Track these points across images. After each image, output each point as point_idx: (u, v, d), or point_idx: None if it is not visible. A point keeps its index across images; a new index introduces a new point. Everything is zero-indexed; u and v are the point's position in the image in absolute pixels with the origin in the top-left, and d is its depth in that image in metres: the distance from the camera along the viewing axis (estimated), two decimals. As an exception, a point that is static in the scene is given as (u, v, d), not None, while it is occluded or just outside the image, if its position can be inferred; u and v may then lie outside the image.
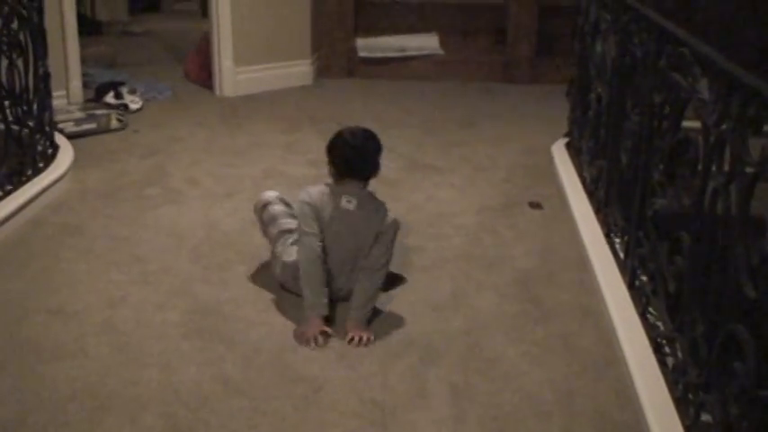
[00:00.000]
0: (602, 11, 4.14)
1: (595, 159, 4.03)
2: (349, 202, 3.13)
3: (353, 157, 3.16)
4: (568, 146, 4.80)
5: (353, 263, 3.13)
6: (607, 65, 3.90)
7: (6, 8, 3.93)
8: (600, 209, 3.80)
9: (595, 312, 3.18)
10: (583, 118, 4.47)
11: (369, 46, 6.97)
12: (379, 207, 3.18)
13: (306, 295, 3.03)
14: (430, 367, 2.80)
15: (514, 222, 4.02)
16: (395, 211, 4.08)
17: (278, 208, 3.39)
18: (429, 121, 5.70)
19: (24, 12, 4.07)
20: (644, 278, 3.09)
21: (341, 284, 3.15)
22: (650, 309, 2.94)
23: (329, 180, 3.21)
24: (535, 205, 4.22)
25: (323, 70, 6.83)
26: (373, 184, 4.37)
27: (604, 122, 3.91)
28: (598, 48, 4.15)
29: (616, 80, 3.71)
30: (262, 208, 3.42)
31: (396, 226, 3.17)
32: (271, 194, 3.47)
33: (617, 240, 3.52)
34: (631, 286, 3.16)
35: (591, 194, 4.01)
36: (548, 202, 4.25)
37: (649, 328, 2.88)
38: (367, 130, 3.25)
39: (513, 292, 3.34)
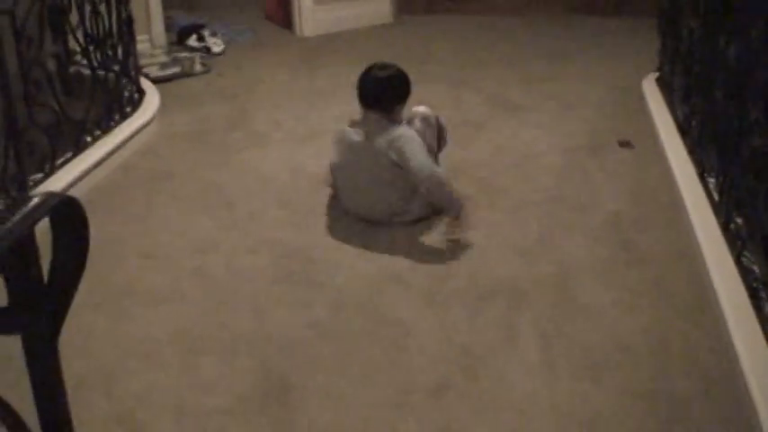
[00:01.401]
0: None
1: (688, 96, 3.91)
2: (356, 133, 3.36)
3: (359, 86, 3.37)
4: (659, 81, 4.66)
5: (369, 187, 3.31)
6: (698, -1, 3.76)
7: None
8: (693, 148, 3.69)
9: (689, 256, 3.11)
10: (674, 52, 4.33)
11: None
12: (391, 133, 3.26)
13: None
14: (519, 313, 2.78)
15: (604, 162, 3.93)
16: (480, 151, 4.07)
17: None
18: (512, 58, 5.60)
19: (106, -44, 4.09)
20: (739, 220, 3.00)
21: (358, 203, 3.37)
22: (745, 252, 2.86)
23: None
24: (625, 144, 4.11)
25: (403, 7, 6.74)
26: (457, 123, 4.34)
27: (697, 57, 3.78)
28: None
29: (709, 14, 3.57)
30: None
31: (403, 137, 3.24)
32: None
33: (711, 181, 3.41)
34: (726, 229, 3.06)
35: (684, 133, 3.90)
36: (638, 141, 4.14)
37: (745, 273, 2.79)
38: (388, 64, 3.42)
39: (604, 235, 3.28)
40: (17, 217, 1.10)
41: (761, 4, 2.81)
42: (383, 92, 3.32)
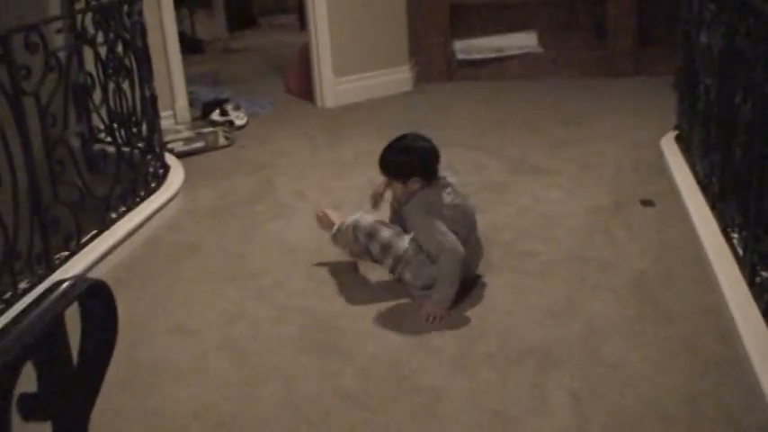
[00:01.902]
0: (705, 1, 4.02)
1: (707, 153, 3.91)
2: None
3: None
4: (678, 139, 4.67)
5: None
6: (714, 56, 3.78)
7: (111, 34, 4.04)
8: (715, 204, 3.69)
9: (716, 311, 3.09)
10: (692, 110, 4.35)
11: (466, 48, 6.92)
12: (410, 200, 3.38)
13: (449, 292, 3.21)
14: (549, 374, 2.76)
15: (627, 221, 3.93)
16: (504, 214, 4.08)
17: (369, 218, 3.50)
18: (532, 121, 5.63)
19: (128, 35, 4.18)
20: (765, 274, 2.98)
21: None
22: (774, 306, 2.84)
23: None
24: (647, 203, 4.12)
25: (422, 75, 6.81)
26: (480, 189, 4.37)
27: (715, 115, 3.79)
28: (703, 39, 4.03)
29: (724, 72, 3.60)
30: (351, 229, 3.48)
31: (410, 210, 3.34)
32: (353, 217, 3.55)
33: (735, 236, 3.40)
34: (752, 284, 3.05)
35: (705, 189, 3.90)
36: (660, 199, 4.14)
37: (774, 327, 2.78)
38: (404, 135, 3.51)
39: (630, 293, 3.27)
40: (47, 303, 1.12)
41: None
42: (392, 163, 3.43)
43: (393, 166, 3.37)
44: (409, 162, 3.34)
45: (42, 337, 1.13)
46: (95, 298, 1.24)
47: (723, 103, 3.59)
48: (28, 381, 1.20)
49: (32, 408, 1.19)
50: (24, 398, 1.17)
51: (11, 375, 1.11)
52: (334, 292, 3.41)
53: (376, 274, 3.49)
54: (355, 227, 3.44)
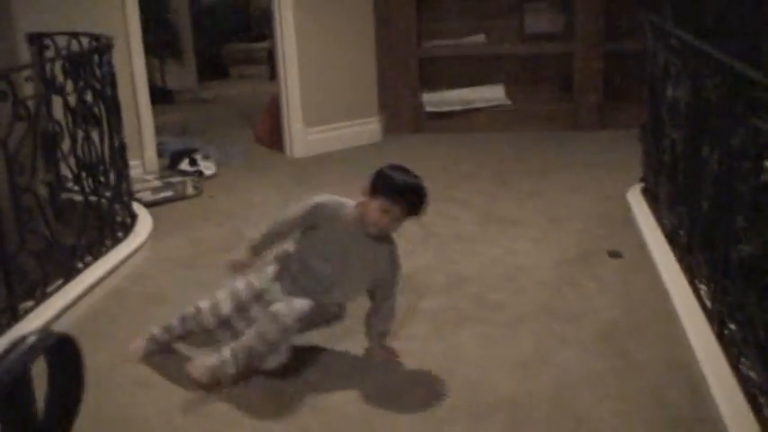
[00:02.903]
0: (670, 55, 4.09)
1: (674, 205, 3.96)
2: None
3: None
4: (645, 192, 4.72)
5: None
6: (680, 109, 3.85)
7: (81, 82, 4.03)
8: (683, 256, 3.72)
9: (685, 365, 3.10)
10: (658, 163, 4.41)
11: (435, 100, 7.00)
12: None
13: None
14: (519, 429, 2.75)
15: (595, 273, 3.95)
16: (473, 265, 4.09)
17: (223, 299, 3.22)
18: (500, 173, 5.68)
19: (98, 85, 4.18)
20: (732, 326, 3.01)
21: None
22: (742, 359, 2.85)
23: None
24: (615, 254, 4.15)
25: (391, 127, 6.87)
26: (448, 240, 4.39)
27: (681, 167, 3.84)
28: (669, 92, 4.10)
29: (690, 125, 3.65)
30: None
31: (393, 250, 3.16)
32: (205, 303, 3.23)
33: (702, 288, 3.43)
34: (720, 336, 3.07)
35: (672, 241, 3.94)
36: (628, 251, 4.17)
37: (743, 380, 2.79)
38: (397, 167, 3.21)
39: (599, 346, 3.27)
40: (13, 356, 1.11)
41: (740, 113, 2.88)
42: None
43: (421, 205, 3.04)
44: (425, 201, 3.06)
45: (8, 392, 1.11)
46: (62, 352, 1.22)
47: (690, 156, 3.64)
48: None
49: (-4, 464, 1.17)
50: (-12, 454, 1.15)
51: (-26, 430, 1.10)
52: (301, 344, 3.38)
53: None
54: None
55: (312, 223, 3.10)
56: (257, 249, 3.15)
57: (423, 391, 3.00)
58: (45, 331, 1.15)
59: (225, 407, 2.95)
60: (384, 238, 3.07)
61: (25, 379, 1.15)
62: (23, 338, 1.14)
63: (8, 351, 1.11)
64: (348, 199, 3.11)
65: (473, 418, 2.82)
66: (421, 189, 3.03)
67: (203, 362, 3.03)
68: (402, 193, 2.98)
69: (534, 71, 7.12)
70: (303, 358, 3.26)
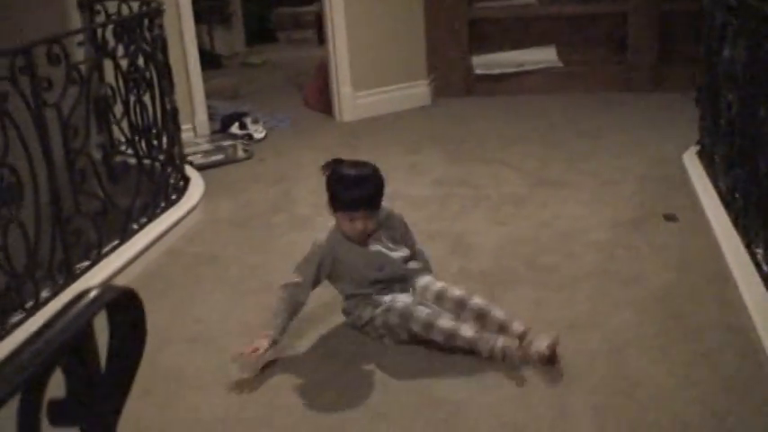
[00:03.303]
0: (728, 15, 4.00)
1: (730, 168, 3.89)
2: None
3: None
4: (700, 154, 4.65)
5: None
6: (737, 70, 3.77)
7: (132, 46, 4.06)
8: (738, 219, 3.66)
9: (740, 328, 3.06)
10: (714, 125, 4.33)
11: (485, 63, 6.92)
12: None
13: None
14: (571, 389, 2.74)
15: (649, 236, 3.90)
16: (524, 228, 4.06)
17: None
18: (551, 136, 5.62)
19: (149, 49, 4.20)
20: (790, 290, 2.96)
21: None
22: (799, 322, 2.81)
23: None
24: (670, 217, 4.09)
25: (440, 90, 6.81)
26: (499, 203, 4.37)
27: (738, 129, 3.77)
28: (726, 53, 4.01)
29: (747, 86, 3.58)
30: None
31: (394, 225, 3.25)
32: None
33: (758, 251, 3.37)
34: (777, 299, 3.03)
35: (728, 204, 3.87)
36: (683, 214, 4.11)
37: (798, 343, 2.75)
38: (342, 161, 3.21)
39: (653, 308, 3.24)
40: (76, 310, 1.12)
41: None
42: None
43: (379, 194, 3.09)
44: (382, 181, 3.11)
45: (71, 344, 1.12)
46: (124, 306, 1.24)
47: (746, 117, 3.57)
48: (56, 387, 1.19)
49: (60, 413, 1.19)
50: (53, 404, 1.17)
51: (40, 381, 1.11)
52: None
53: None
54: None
55: (329, 263, 3.09)
56: (279, 336, 3.00)
57: (472, 352, 2.99)
58: (107, 285, 1.16)
59: (278, 363, 2.98)
60: (380, 224, 3.14)
61: (88, 332, 1.16)
62: (86, 292, 1.15)
63: (71, 304, 1.12)
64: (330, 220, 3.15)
65: (526, 377, 2.81)
66: (368, 189, 3.05)
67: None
68: (354, 205, 3.02)
69: (587, 32, 6.99)
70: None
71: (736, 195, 3.73)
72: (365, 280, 3.11)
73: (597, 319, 3.18)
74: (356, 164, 3.15)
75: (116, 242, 3.80)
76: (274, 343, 2.95)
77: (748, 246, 3.47)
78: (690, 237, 3.88)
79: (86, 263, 3.57)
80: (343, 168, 3.08)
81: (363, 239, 3.10)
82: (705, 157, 4.54)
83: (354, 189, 3.02)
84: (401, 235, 3.23)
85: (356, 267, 3.10)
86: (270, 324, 2.99)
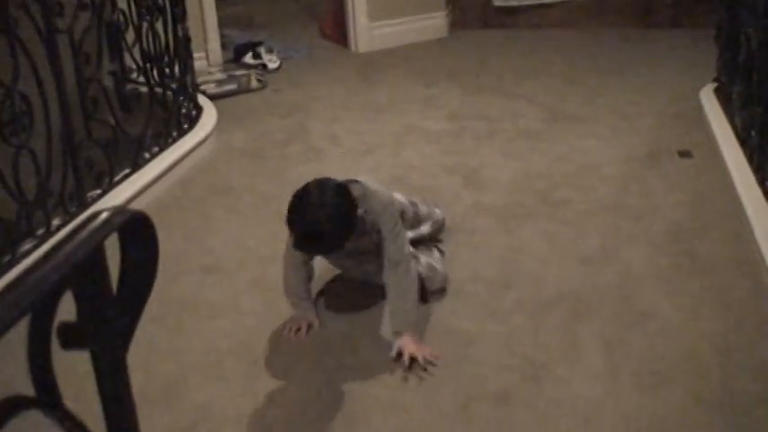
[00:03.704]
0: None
1: (747, 105, 3.84)
2: None
3: None
4: (717, 92, 4.59)
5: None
6: (758, 7, 3.69)
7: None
8: (753, 156, 3.63)
9: (751, 264, 3.05)
10: (732, 62, 4.27)
11: (503, -6, 6.82)
12: None
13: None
14: (582, 322, 2.75)
15: (663, 172, 3.88)
16: (539, 162, 4.04)
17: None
18: (569, 70, 5.55)
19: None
20: (804, 228, 2.94)
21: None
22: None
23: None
24: (685, 153, 4.06)
25: (458, 22, 6.72)
26: (514, 137, 4.34)
27: (757, 66, 3.71)
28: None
29: (768, 22, 3.51)
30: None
31: (379, 210, 2.69)
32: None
33: (773, 189, 3.35)
34: (790, 237, 3.01)
35: (743, 142, 3.83)
36: (698, 150, 4.08)
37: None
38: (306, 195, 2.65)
39: (665, 243, 3.23)
40: (87, 232, 1.11)
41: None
42: None
43: (339, 240, 2.55)
44: (349, 207, 2.58)
45: (82, 267, 1.12)
46: (136, 229, 1.23)
47: (765, 54, 3.51)
48: (68, 310, 1.20)
49: (71, 336, 1.19)
50: (63, 326, 1.17)
51: (50, 303, 1.11)
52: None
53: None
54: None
55: None
56: (303, 300, 2.81)
57: (486, 284, 3.00)
58: (119, 208, 1.16)
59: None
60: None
61: (99, 255, 1.16)
62: (97, 214, 1.14)
63: (82, 226, 1.12)
64: None
65: (537, 310, 2.82)
66: (316, 248, 2.65)
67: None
68: (298, 235, 2.56)
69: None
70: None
71: (752, 133, 3.69)
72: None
73: (609, 254, 3.18)
74: (311, 211, 2.53)
75: (127, 171, 3.79)
76: (303, 304, 2.78)
77: (762, 182, 3.44)
78: (704, 173, 3.85)
79: (98, 191, 3.57)
80: (295, 214, 2.56)
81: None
82: (722, 94, 4.48)
83: (303, 243, 2.58)
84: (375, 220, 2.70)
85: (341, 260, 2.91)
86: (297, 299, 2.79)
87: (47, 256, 1.07)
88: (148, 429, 2.29)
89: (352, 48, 6.27)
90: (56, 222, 3.27)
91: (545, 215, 3.50)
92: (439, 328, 2.75)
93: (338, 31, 6.46)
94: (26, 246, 3.10)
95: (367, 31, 6.21)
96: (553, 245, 3.27)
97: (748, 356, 2.54)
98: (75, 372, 1.34)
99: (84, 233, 1.12)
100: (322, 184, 2.60)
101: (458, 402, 2.40)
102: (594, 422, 2.29)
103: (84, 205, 3.44)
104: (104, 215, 1.14)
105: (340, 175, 3.95)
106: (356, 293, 2.97)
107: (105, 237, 1.15)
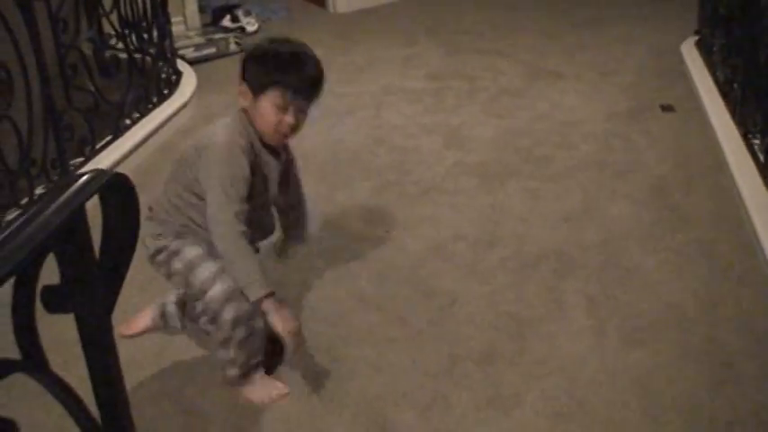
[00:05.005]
0: None
1: (729, 58, 3.84)
2: None
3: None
4: (699, 45, 4.59)
5: None
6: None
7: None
8: (736, 109, 3.63)
9: (735, 218, 3.07)
10: (713, 14, 4.26)
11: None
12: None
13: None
14: (566, 279, 2.76)
15: (646, 127, 3.88)
16: (520, 120, 4.03)
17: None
18: (549, 26, 5.53)
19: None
20: (786, 180, 2.96)
21: None
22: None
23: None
24: (667, 108, 4.06)
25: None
26: (496, 95, 4.33)
27: (738, 18, 3.71)
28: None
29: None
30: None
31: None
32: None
33: (756, 142, 3.36)
34: (773, 189, 3.03)
35: (725, 95, 3.84)
36: (680, 105, 4.08)
37: (794, 231, 2.76)
38: (275, 40, 2.35)
39: (648, 199, 3.24)
40: (67, 194, 1.11)
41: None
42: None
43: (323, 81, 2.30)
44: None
45: (64, 229, 1.12)
46: (116, 191, 1.22)
47: (746, 5, 3.50)
48: (51, 274, 1.19)
49: (55, 300, 1.19)
50: (47, 290, 1.17)
51: (33, 267, 1.11)
52: (347, 196, 3.40)
53: (393, 182, 3.46)
54: None
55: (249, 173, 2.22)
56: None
57: (468, 243, 3.01)
58: (98, 170, 1.15)
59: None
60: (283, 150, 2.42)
61: (81, 217, 1.15)
62: (77, 177, 1.13)
63: (63, 189, 1.11)
64: (220, 121, 2.31)
65: (519, 269, 2.83)
66: (315, 68, 2.27)
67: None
68: (302, 85, 2.23)
69: None
70: (358, 210, 3.28)
71: (735, 85, 3.69)
72: (265, 207, 2.41)
73: (592, 211, 3.18)
74: (288, 40, 2.32)
75: (109, 138, 3.76)
76: (272, 294, 2.12)
77: (745, 135, 3.45)
78: (687, 127, 3.85)
79: (80, 159, 3.54)
80: (276, 46, 2.27)
81: (281, 146, 2.39)
82: (704, 47, 4.48)
83: (299, 65, 2.24)
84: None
85: (270, 184, 2.37)
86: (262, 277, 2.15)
87: (28, 219, 1.07)
88: (137, 394, 2.30)
89: (330, 8, 6.23)
90: (39, 191, 3.24)
91: (527, 173, 3.50)
92: (422, 286, 2.76)
93: (316, -8, 6.41)
94: (10, 215, 3.08)
95: (345, -9, 6.17)
96: (536, 203, 3.27)
97: (732, 311, 2.56)
98: (63, 340, 1.33)
99: (64, 196, 1.11)
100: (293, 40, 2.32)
101: (443, 362, 2.41)
102: (579, 378, 2.31)
103: (67, 173, 3.41)
104: (85, 177, 1.14)
105: (321, 135, 3.94)
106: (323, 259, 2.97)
107: (86, 199, 1.15)
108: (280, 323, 2.11)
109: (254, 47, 2.32)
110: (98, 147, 3.66)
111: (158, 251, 2.31)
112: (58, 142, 3.38)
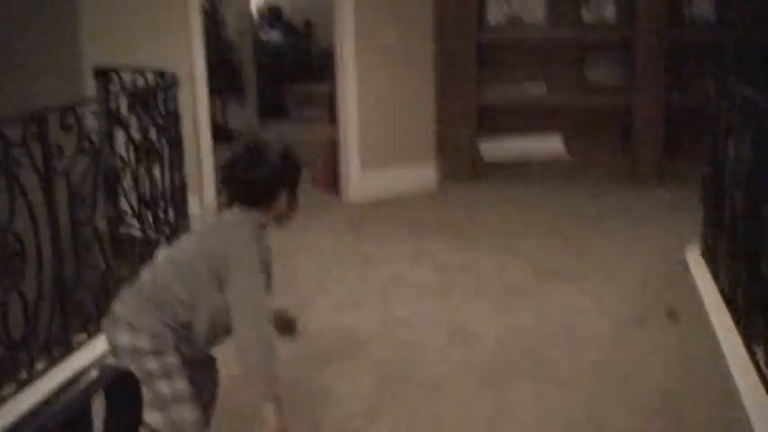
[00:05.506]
0: (733, 111, 4.03)
1: (733, 266, 3.89)
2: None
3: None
4: (703, 251, 4.64)
5: None
6: (742, 168, 3.78)
7: (145, 118, 4.09)
8: (740, 318, 3.64)
9: (740, 428, 3.02)
10: (717, 222, 4.33)
11: (492, 149, 6.95)
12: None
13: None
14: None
15: (650, 333, 3.89)
16: (525, 320, 4.04)
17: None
18: (557, 226, 5.63)
19: (161, 121, 4.23)
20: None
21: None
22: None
23: None
24: (671, 315, 4.07)
25: (447, 173, 6.81)
26: (504, 292, 4.36)
27: (741, 227, 3.77)
28: (731, 151, 4.03)
29: (752, 185, 3.59)
30: None
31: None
32: None
33: (758, 352, 3.35)
34: (778, 402, 3.00)
35: (729, 302, 3.85)
36: (684, 311, 4.10)
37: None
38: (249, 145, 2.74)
39: (652, 409, 3.21)
40: (75, 390, 1.12)
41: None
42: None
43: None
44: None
45: (69, 424, 1.12)
46: (121, 387, 1.23)
47: (750, 216, 3.58)
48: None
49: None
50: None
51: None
52: (351, 395, 3.37)
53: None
54: None
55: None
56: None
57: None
58: (106, 367, 1.16)
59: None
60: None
61: (86, 412, 1.16)
62: (85, 373, 1.15)
63: (71, 384, 1.13)
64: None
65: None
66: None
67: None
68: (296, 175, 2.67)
69: (593, 123, 7.05)
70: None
71: (738, 294, 3.71)
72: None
73: (595, 420, 3.15)
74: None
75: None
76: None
77: (749, 346, 3.44)
78: (691, 335, 3.85)
79: (84, 336, 3.52)
80: (282, 149, 2.66)
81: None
82: (708, 253, 4.53)
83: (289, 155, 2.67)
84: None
85: (269, 266, 2.67)
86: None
87: (36, 411, 1.08)
88: None
89: (343, 197, 6.36)
90: (39, 366, 3.21)
91: (532, 375, 3.49)
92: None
93: (330, 181, 6.55)
94: (7, 390, 3.02)
95: (358, 180, 6.31)
96: (540, 408, 3.24)
97: None
98: None
99: (71, 391, 1.13)
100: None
101: None
102: None
103: (70, 350, 3.38)
104: (92, 374, 1.15)
105: (329, 324, 3.94)
106: None
107: (92, 395, 1.16)
108: None
109: (281, 155, 2.67)
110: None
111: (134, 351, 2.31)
112: (64, 318, 3.37)
